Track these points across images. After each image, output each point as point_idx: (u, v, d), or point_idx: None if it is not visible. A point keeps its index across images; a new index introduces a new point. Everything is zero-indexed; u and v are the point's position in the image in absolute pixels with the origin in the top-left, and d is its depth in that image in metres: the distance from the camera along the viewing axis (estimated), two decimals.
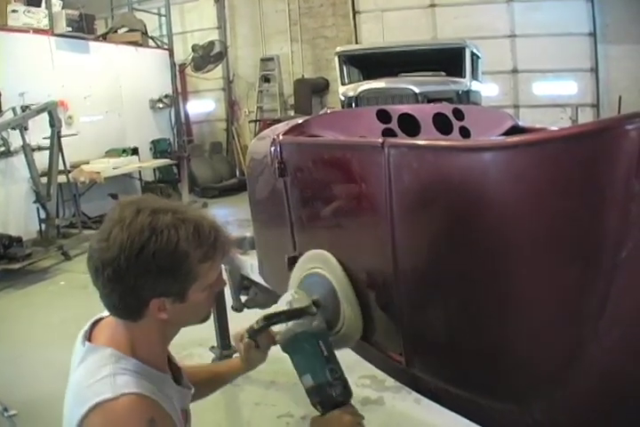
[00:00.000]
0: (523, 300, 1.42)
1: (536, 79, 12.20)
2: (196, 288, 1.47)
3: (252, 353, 1.88)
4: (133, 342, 1.49)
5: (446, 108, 2.80)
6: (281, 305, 1.94)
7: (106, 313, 1.57)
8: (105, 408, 1.34)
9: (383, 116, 2.62)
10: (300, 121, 2.59)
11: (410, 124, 2.62)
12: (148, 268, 1.37)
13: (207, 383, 1.96)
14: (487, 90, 11.08)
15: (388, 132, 2.55)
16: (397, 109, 2.68)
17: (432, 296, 1.72)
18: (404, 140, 2.07)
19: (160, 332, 1.52)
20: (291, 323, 1.81)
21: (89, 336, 1.55)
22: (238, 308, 3.69)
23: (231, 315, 3.90)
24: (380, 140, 1.74)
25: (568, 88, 11.95)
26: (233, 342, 1.97)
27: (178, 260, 1.39)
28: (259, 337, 1.85)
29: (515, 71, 12.28)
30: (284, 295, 1.99)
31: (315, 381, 1.72)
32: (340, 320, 2.02)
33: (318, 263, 2.13)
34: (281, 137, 2.43)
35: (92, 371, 1.43)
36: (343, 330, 2.02)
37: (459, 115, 2.75)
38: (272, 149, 2.48)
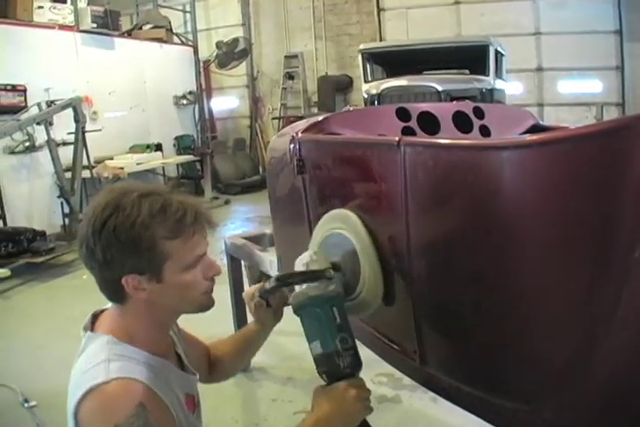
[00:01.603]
0: (535, 299, 1.42)
1: (561, 77, 12.09)
2: (172, 268, 1.47)
3: (262, 312, 1.88)
4: (129, 329, 1.52)
5: (467, 107, 2.78)
6: (298, 266, 1.87)
7: (106, 306, 1.62)
8: (97, 392, 1.36)
9: (403, 114, 2.62)
10: (319, 119, 2.59)
11: (430, 123, 2.62)
12: (111, 242, 1.40)
13: (235, 354, 1.99)
14: (511, 88, 11.01)
15: (407, 131, 2.55)
16: (417, 108, 2.68)
17: (446, 294, 1.71)
18: (419, 138, 2.07)
19: (150, 315, 1.53)
20: (305, 285, 1.73)
21: (91, 327, 1.58)
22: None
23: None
24: (397, 138, 1.74)
25: (593, 86, 11.83)
26: (245, 299, 1.94)
27: (138, 234, 1.41)
28: (270, 297, 1.84)
29: (539, 69, 12.18)
30: (302, 255, 1.90)
31: (323, 349, 1.63)
32: (360, 284, 1.91)
33: (339, 223, 2.04)
34: (300, 134, 2.44)
35: (90, 358, 1.46)
36: (362, 295, 1.91)
37: (479, 113, 2.74)
38: (291, 146, 2.49)
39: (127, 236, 1.40)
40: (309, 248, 2.13)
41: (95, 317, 1.62)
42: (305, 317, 1.68)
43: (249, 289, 1.94)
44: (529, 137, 1.41)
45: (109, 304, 1.60)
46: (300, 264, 1.87)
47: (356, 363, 1.64)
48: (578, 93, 11.90)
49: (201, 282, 1.54)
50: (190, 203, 1.52)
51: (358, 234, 1.93)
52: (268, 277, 3.21)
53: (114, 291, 1.50)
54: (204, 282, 1.56)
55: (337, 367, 1.61)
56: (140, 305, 1.50)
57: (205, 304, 1.59)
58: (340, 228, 2.02)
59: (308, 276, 1.76)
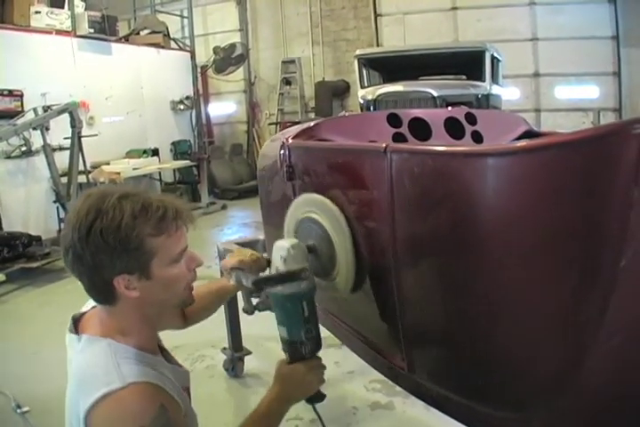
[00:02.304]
0: (522, 308, 1.41)
1: (558, 83, 12.10)
2: (159, 263, 1.51)
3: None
4: (122, 329, 1.55)
5: (459, 113, 2.78)
6: (275, 258, 1.98)
7: (85, 308, 1.69)
8: (115, 398, 1.38)
9: (394, 120, 2.62)
10: (310, 125, 2.59)
11: (421, 129, 2.62)
12: (100, 246, 1.43)
13: (209, 304, 2.19)
14: (508, 94, 11.03)
15: (398, 137, 2.55)
16: (408, 114, 2.68)
17: (432, 303, 1.71)
18: (406, 145, 2.07)
19: (141, 313, 1.57)
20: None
21: (76, 329, 1.61)
22: (249, 310, 3.65)
23: (243, 317, 3.90)
24: (384, 145, 1.74)
25: (590, 92, 11.83)
26: (222, 269, 2.12)
27: (125, 235, 1.44)
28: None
29: (536, 75, 12.19)
30: (280, 245, 1.99)
31: (289, 336, 1.84)
32: (335, 269, 2.09)
33: (313, 207, 2.16)
34: (290, 141, 2.44)
35: (95, 362, 1.48)
36: (336, 280, 2.11)
37: (471, 119, 2.74)
38: (281, 152, 2.48)
39: (115, 238, 1.43)
40: (285, 234, 2.25)
41: (76, 320, 1.65)
42: (276, 305, 1.86)
43: (227, 261, 2.14)
44: (515, 144, 1.40)
45: (87, 306, 1.67)
46: (277, 256, 1.97)
47: (316, 348, 1.87)
48: (575, 99, 11.91)
49: (185, 274, 1.60)
50: (169, 200, 1.56)
51: (333, 220, 2.06)
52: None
53: (105, 293, 1.52)
54: (188, 274, 1.62)
55: (299, 353, 1.84)
56: (131, 304, 1.53)
57: (187, 299, 1.67)
58: (314, 212, 2.14)
59: (282, 278, 1.87)
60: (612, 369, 1.32)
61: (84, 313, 1.67)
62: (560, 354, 1.37)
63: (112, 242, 1.43)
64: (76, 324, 1.64)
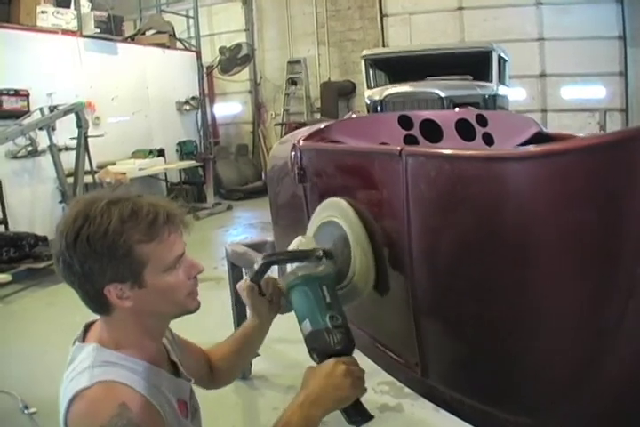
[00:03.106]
0: (539, 312, 1.40)
1: (564, 83, 12.08)
2: (153, 271, 1.45)
3: (257, 303, 1.83)
4: (116, 337, 1.51)
5: (469, 114, 2.77)
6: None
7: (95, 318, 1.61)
8: (80, 397, 1.38)
9: (405, 122, 2.61)
10: (321, 126, 2.58)
11: (432, 131, 2.61)
12: (87, 253, 1.39)
13: (235, 354, 1.94)
14: (515, 94, 11.02)
15: (409, 139, 2.54)
16: (419, 115, 2.67)
17: (448, 307, 1.70)
18: (421, 148, 2.05)
19: (137, 322, 1.52)
20: (295, 265, 1.75)
21: (83, 339, 1.57)
22: None
23: None
24: (398, 148, 1.73)
25: (597, 92, 11.83)
26: (239, 290, 1.89)
27: (113, 241, 1.39)
28: (262, 282, 1.80)
29: (543, 75, 12.17)
30: (294, 240, 1.92)
31: (313, 326, 1.61)
32: (351, 270, 1.90)
33: (332, 211, 2.04)
34: (301, 142, 2.43)
35: (76, 366, 1.47)
36: (353, 281, 1.91)
37: (482, 121, 2.73)
38: (292, 154, 2.47)
39: (102, 244, 1.38)
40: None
41: (87, 328, 1.61)
42: (294, 296, 1.70)
43: (242, 280, 1.90)
44: (532, 148, 1.39)
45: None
46: (291, 248, 1.90)
47: (348, 341, 1.61)
48: (581, 99, 11.90)
49: (184, 282, 1.53)
50: (161, 204, 1.49)
51: (350, 223, 1.94)
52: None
53: (98, 303, 1.48)
54: (187, 282, 1.54)
55: (326, 344, 1.58)
56: (127, 314, 1.49)
57: (191, 306, 1.58)
58: (334, 216, 2.02)
59: (295, 254, 1.79)
60: (630, 375, 1.31)
61: (95, 321, 1.62)
62: (577, 359, 1.36)
63: (99, 249, 1.39)
64: (86, 333, 1.60)
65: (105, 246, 1.38)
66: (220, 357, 1.94)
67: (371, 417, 1.55)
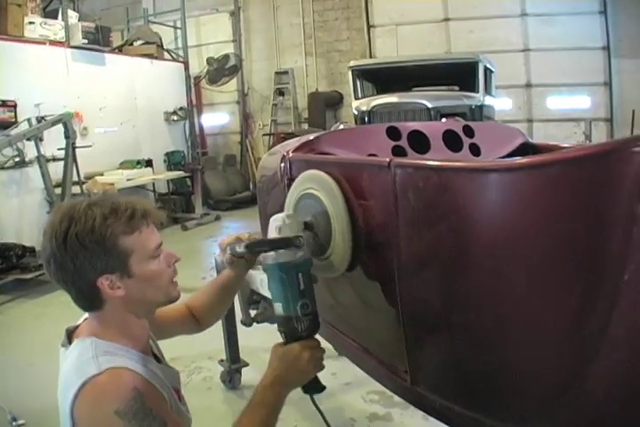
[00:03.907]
0: (524, 321, 1.42)
1: (550, 93, 12.18)
2: (138, 260, 1.58)
3: (234, 262, 2.03)
4: (110, 330, 1.61)
5: (456, 126, 2.80)
6: (271, 228, 1.97)
7: (79, 322, 1.73)
8: (92, 383, 1.45)
9: (393, 133, 2.63)
10: (310, 138, 2.60)
11: (420, 142, 2.63)
12: (78, 249, 1.50)
13: (215, 300, 2.14)
14: (501, 104, 11.09)
15: (397, 150, 2.56)
16: (407, 127, 2.69)
17: (436, 316, 1.72)
18: (409, 159, 2.08)
19: (128, 312, 1.63)
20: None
21: (68, 342, 1.66)
22: (247, 322, 3.68)
23: (240, 329, 3.90)
24: (387, 159, 1.75)
25: (582, 102, 11.91)
26: (220, 247, 2.09)
27: (100, 235, 1.51)
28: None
29: (528, 85, 12.26)
30: (276, 217, 1.98)
31: (285, 312, 1.77)
32: (331, 246, 2.04)
33: (313, 184, 2.14)
34: (291, 154, 2.45)
35: (76, 359, 1.54)
36: (332, 257, 2.06)
37: (469, 132, 2.76)
38: (282, 165, 2.50)
39: (90, 239, 1.51)
40: (285, 210, 2.22)
41: (70, 333, 1.69)
42: (271, 278, 1.81)
43: (225, 239, 2.09)
44: (518, 160, 1.42)
45: (81, 320, 1.71)
46: (272, 226, 1.96)
47: (314, 327, 1.79)
48: (567, 109, 11.99)
49: (165, 270, 1.67)
50: (137, 201, 1.64)
51: (331, 196, 2.03)
52: (259, 295, 3.20)
53: (91, 297, 1.58)
54: (168, 269, 1.68)
55: (295, 331, 1.76)
56: (117, 304, 1.60)
57: (173, 293, 1.71)
58: (314, 188, 2.12)
59: (277, 243, 1.84)
60: (615, 383, 1.33)
61: (78, 326, 1.71)
62: (563, 368, 1.38)
63: (89, 244, 1.50)
64: (70, 337, 1.68)
65: (93, 241, 1.51)
66: (200, 305, 2.14)
67: (323, 388, 1.80)
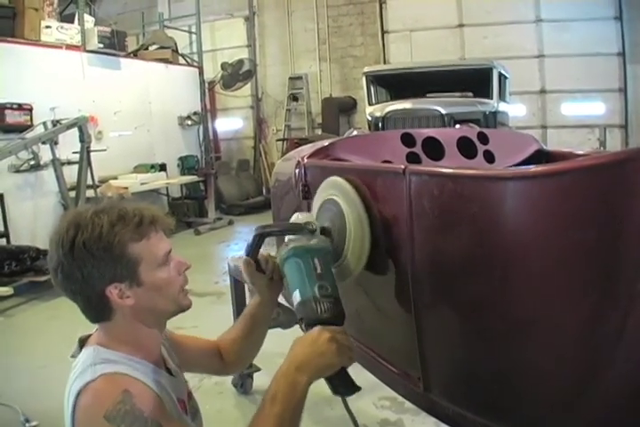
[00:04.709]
0: (539, 328, 1.42)
1: (564, 100, 12.15)
2: (147, 268, 1.54)
3: (254, 276, 1.84)
4: (117, 340, 1.58)
5: (471, 132, 2.80)
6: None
7: (91, 331, 1.67)
8: (86, 390, 1.44)
9: (408, 139, 2.64)
10: (325, 144, 2.61)
11: (434, 148, 2.63)
12: (85, 258, 1.47)
13: (244, 335, 1.95)
14: (515, 110, 11.06)
15: (412, 157, 2.56)
16: (422, 133, 2.69)
17: (450, 321, 1.72)
18: (425, 167, 2.08)
19: (138, 322, 1.59)
20: (288, 238, 1.75)
21: (80, 352, 1.63)
22: None
23: None
24: (402, 166, 1.76)
25: (596, 109, 11.89)
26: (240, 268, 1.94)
27: (108, 243, 1.47)
28: (261, 259, 1.82)
29: (543, 91, 12.24)
30: (292, 216, 1.91)
31: (302, 296, 1.60)
32: (346, 247, 1.88)
33: (331, 190, 2.05)
34: (305, 160, 2.46)
35: (78, 368, 1.53)
36: (347, 258, 1.89)
37: (483, 139, 2.75)
38: (297, 171, 2.50)
39: (98, 247, 1.47)
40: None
41: (82, 342, 1.66)
42: (287, 268, 1.70)
43: (237, 256, 1.97)
44: (534, 168, 1.42)
45: (94, 329, 1.66)
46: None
47: (336, 311, 1.59)
48: (581, 115, 11.96)
49: (175, 277, 1.61)
50: (144, 207, 1.60)
51: (348, 198, 1.93)
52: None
53: (100, 307, 1.54)
54: (178, 277, 1.63)
55: (313, 312, 1.56)
56: (127, 315, 1.56)
57: (184, 303, 1.65)
58: (334, 194, 2.02)
59: (288, 227, 1.81)
60: (629, 390, 1.33)
61: (90, 335, 1.68)
62: (578, 374, 1.38)
63: (96, 252, 1.47)
64: (81, 347, 1.65)
65: (101, 249, 1.47)
66: (229, 342, 1.99)
67: (357, 388, 1.53)
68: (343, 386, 1.51)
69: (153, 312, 1.60)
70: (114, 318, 1.56)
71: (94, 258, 1.47)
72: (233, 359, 2.01)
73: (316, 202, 2.15)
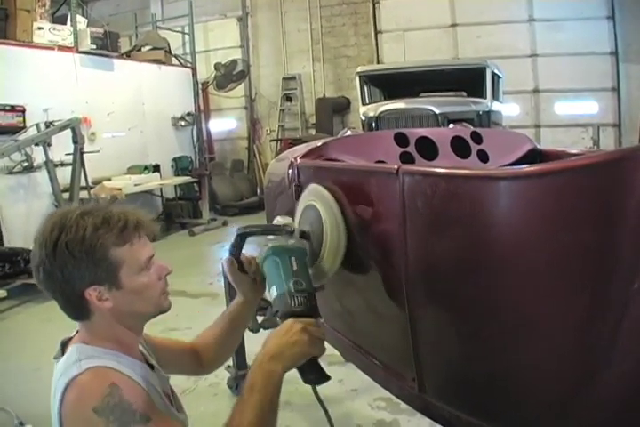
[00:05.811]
0: (533, 329, 1.42)
1: (557, 99, 12.16)
2: (128, 272, 1.55)
3: (237, 276, 1.92)
4: (98, 338, 1.58)
5: (464, 132, 2.80)
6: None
7: (73, 333, 1.68)
8: (73, 384, 1.45)
9: (401, 139, 2.63)
10: (318, 144, 2.60)
11: (428, 148, 2.63)
12: (67, 259, 1.48)
13: (222, 334, 2.01)
14: (508, 110, 11.07)
15: (405, 156, 2.56)
16: (415, 133, 2.69)
17: (444, 323, 1.72)
18: (418, 167, 2.07)
19: (117, 324, 1.60)
20: (267, 240, 1.84)
21: (62, 354, 1.63)
22: (255, 328, 3.66)
23: (247, 335, 3.88)
24: (396, 166, 1.75)
25: (589, 108, 11.89)
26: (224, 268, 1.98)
27: (90, 246, 1.49)
28: (244, 261, 1.90)
29: (536, 91, 12.24)
30: (274, 220, 2.04)
31: (277, 291, 1.69)
32: (322, 248, 1.98)
33: (311, 196, 2.15)
34: (298, 160, 2.45)
35: (62, 365, 1.53)
36: (323, 259, 1.99)
37: (477, 138, 2.75)
38: (290, 171, 2.50)
39: (80, 250, 1.48)
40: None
41: (64, 344, 1.66)
42: (266, 266, 1.78)
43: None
44: (528, 168, 1.41)
45: (74, 332, 1.67)
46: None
47: (310, 305, 1.66)
48: (574, 115, 11.97)
49: (156, 282, 1.62)
50: (130, 212, 1.61)
51: (325, 206, 2.04)
52: (266, 301, 3.19)
53: (79, 308, 1.56)
54: (159, 282, 1.64)
55: (288, 305, 1.64)
56: (106, 316, 1.57)
57: (164, 305, 1.67)
58: (313, 200, 2.12)
59: (267, 227, 1.92)
60: (625, 391, 1.33)
61: (71, 338, 1.68)
62: (572, 376, 1.38)
63: (78, 254, 1.48)
64: (63, 349, 1.65)
65: (83, 251, 1.48)
66: (207, 343, 2.03)
67: (327, 377, 1.58)
68: (314, 375, 1.58)
69: (131, 314, 1.62)
70: (92, 318, 1.57)
71: (75, 260, 1.48)
72: (211, 360, 2.05)
73: (299, 207, 2.19)
